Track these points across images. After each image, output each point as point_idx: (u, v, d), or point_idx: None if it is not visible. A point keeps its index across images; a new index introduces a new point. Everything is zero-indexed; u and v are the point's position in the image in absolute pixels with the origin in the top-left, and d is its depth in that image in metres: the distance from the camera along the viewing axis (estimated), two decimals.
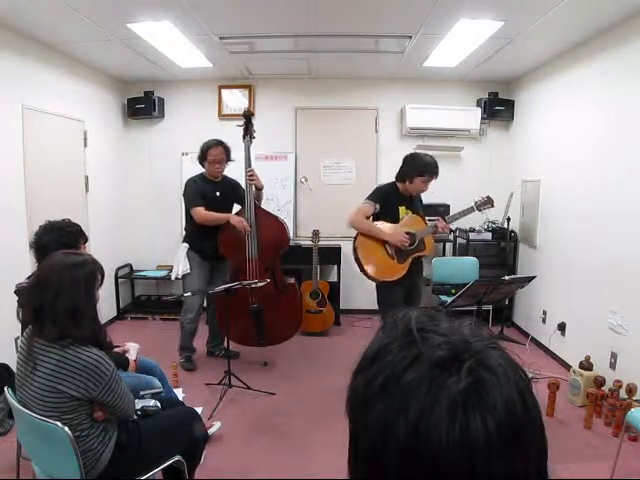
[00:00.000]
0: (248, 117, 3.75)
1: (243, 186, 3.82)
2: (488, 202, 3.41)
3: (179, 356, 3.87)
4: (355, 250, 3.25)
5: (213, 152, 3.68)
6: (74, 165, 4.36)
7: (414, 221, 3.28)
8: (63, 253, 1.76)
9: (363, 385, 0.50)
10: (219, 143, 3.71)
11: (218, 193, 3.78)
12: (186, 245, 3.83)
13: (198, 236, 3.76)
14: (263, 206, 3.90)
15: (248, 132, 3.74)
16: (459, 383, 0.45)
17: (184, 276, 3.79)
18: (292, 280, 3.99)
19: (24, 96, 3.58)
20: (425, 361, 0.47)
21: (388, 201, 3.25)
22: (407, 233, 3.20)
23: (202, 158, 3.75)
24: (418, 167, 3.20)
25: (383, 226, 3.24)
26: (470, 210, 3.36)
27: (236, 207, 3.94)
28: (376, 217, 3.27)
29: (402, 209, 3.27)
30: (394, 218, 3.25)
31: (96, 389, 1.60)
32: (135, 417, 1.92)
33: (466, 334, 0.50)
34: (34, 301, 1.65)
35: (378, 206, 3.23)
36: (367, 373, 0.50)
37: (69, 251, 1.82)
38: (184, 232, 3.96)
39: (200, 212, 3.68)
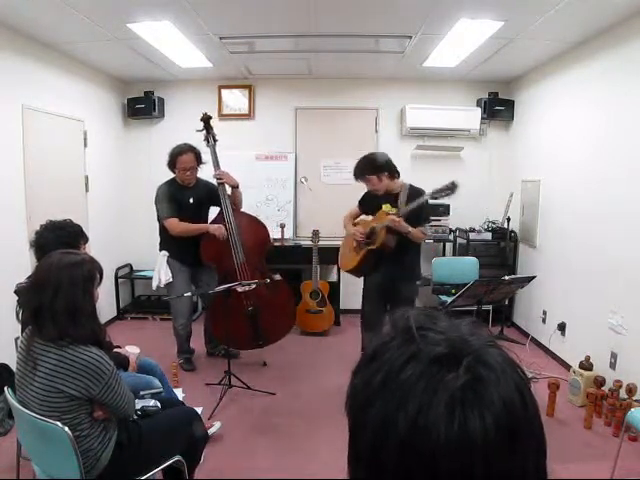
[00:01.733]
0: (206, 121, 3.70)
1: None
2: (448, 188, 3.08)
3: (177, 358, 3.85)
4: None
5: (183, 159, 3.54)
6: (74, 165, 4.36)
7: (380, 217, 3.27)
8: (61, 252, 1.76)
9: (363, 383, 0.50)
10: (190, 149, 3.57)
11: (192, 200, 3.66)
12: (165, 253, 3.71)
13: (175, 243, 3.66)
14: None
15: (210, 135, 3.69)
16: (457, 380, 0.45)
17: (167, 285, 3.71)
18: (278, 276, 3.96)
19: (24, 96, 3.58)
20: (423, 358, 0.47)
21: (368, 201, 3.43)
22: (372, 227, 3.29)
23: (172, 165, 3.60)
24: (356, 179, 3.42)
25: (362, 221, 3.49)
26: (424, 201, 3.12)
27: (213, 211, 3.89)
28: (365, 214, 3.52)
29: (386, 206, 3.26)
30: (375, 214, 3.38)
31: (96, 388, 1.60)
32: (135, 417, 1.93)
33: (465, 332, 0.51)
34: (33, 301, 1.65)
35: (358, 204, 3.54)
36: (366, 371, 0.51)
37: (67, 250, 1.81)
38: (159, 239, 3.81)
39: (174, 224, 3.57)
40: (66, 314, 1.60)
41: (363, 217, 3.50)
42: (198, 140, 3.76)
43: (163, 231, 3.71)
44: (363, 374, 0.51)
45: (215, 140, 3.71)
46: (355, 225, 3.49)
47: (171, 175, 3.72)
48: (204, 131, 3.71)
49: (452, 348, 0.48)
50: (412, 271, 3.39)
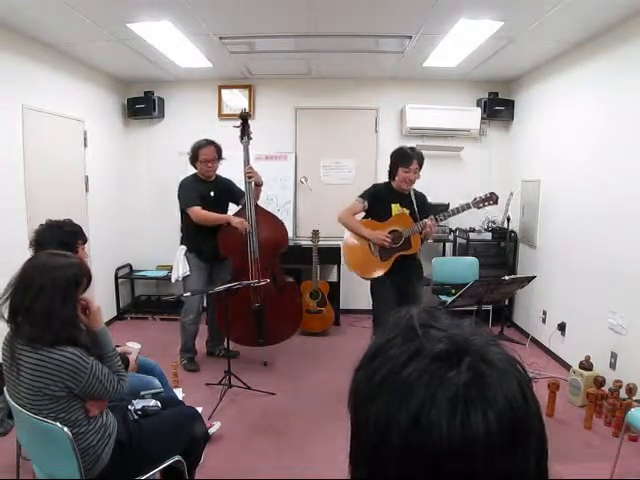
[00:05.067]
0: (245, 118, 3.77)
1: (238, 184, 3.85)
2: (489, 199, 3.26)
3: (180, 358, 3.86)
4: (343, 246, 3.41)
5: (204, 151, 3.68)
6: (74, 165, 4.36)
7: (402, 219, 3.26)
8: (49, 253, 1.73)
9: (365, 380, 0.50)
10: (210, 142, 3.71)
11: (213, 193, 3.77)
12: (184, 247, 3.80)
13: (196, 237, 3.74)
14: (263, 206, 3.91)
15: (245, 133, 3.76)
16: (460, 377, 0.45)
17: (184, 278, 3.77)
18: (291, 279, 4.00)
19: (24, 96, 3.59)
20: (426, 355, 0.47)
21: (378, 199, 3.30)
22: (393, 231, 3.21)
23: (194, 158, 3.74)
24: (396, 159, 3.26)
25: (370, 223, 3.29)
26: (466, 207, 3.24)
27: (232, 207, 3.94)
28: (368, 214, 3.35)
29: (395, 207, 3.27)
30: (386, 216, 3.27)
31: (76, 387, 1.59)
32: (136, 417, 1.93)
33: (466, 331, 0.51)
34: (13, 300, 1.62)
35: (367, 203, 3.30)
36: (369, 368, 0.51)
37: (55, 252, 1.77)
38: (180, 234, 3.92)
39: (199, 212, 3.66)
40: (42, 318, 1.57)
41: (369, 220, 3.32)
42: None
43: (185, 225, 3.81)
44: (365, 371, 0.51)
45: (250, 138, 3.78)
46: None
47: (187, 172, 3.85)
48: (240, 127, 3.77)
49: (454, 346, 0.48)
50: (422, 268, 3.47)
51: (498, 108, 5.01)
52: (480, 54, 4.07)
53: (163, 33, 3.57)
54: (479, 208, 3.29)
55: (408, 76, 4.97)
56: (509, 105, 5.02)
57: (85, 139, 4.47)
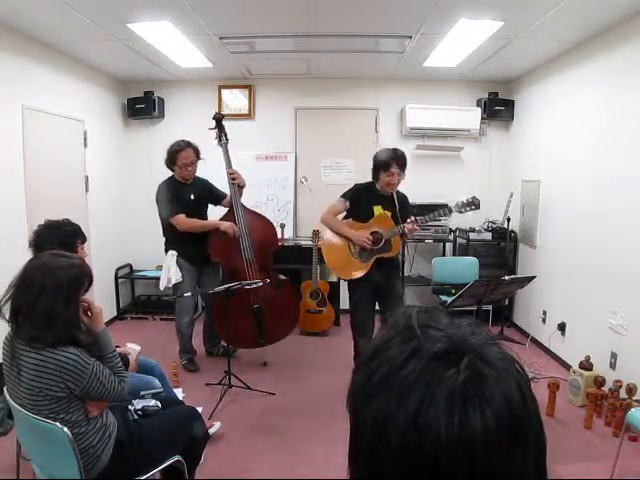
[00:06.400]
0: (219, 120, 3.73)
1: (219, 187, 3.84)
2: (471, 204, 3.20)
3: (180, 358, 3.86)
4: (322, 246, 3.41)
5: (183, 155, 3.56)
6: (74, 165, 4.36)
7: (383, 221, 3.23)
8: (51, 254, 1.73)
9: (364, 379, 0.51)
10: (188, 144, 3.60)
11: (192, 196, 3.69)
12: (174, 253, 3.70)
13: (184, 242, 3.66)
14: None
15: (222, 133, 3.72)
16: (458, 376, 0.45)
17: (175, 284, 3.70)
18: (284, 277, 4.01)
19: (24, 96, 3.59)
20: (424, 354, 0.47)
21: (360, 199, 3.27)
22: (374, 232, 3.19)
23: (171, 162, 3.60)
24: (376, 164, 3.22)
25: (352, 224, 3.27)
26: (448, 212, 3.19)
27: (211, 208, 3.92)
28: (349, 214, 3.32)
29: (377, 208, 3.24)
30: (367, 217, 3.24)
31: (77, 388, 1.59)
32: (136, 417, 1.93)
33: (465, 331, 0.51)
34: (15, 300, 1.62)
35: (348, 204, 3.28)
36: (368, 368, 0.51)
37: (57, 252, 1.77)
38: (164, 239, 3.79)
39: (183, 220, 3.58)
40: (44, 318, 1.56)
41: (350, 221, 3.30)
42: (201, 140, 3.77)
43: (169, 231, 3.70)
44: (364, 371, 0.51)
45: (227, 139, 3.74)
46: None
47: (170, 174, 3.73)
48: (216, 130, 3.73)
49: (453, 345, 0.48)
50: (400, 267, 3.47)
51: (498, 108, 5.01)
52: (480, 54, 4.07)
53: (163, 33, 3.57)
54: (461, 213, 3.24)
55: (408, 76, 4.97)
56: (509, 105, 5.02)
57: (85, 139, 4.47)
